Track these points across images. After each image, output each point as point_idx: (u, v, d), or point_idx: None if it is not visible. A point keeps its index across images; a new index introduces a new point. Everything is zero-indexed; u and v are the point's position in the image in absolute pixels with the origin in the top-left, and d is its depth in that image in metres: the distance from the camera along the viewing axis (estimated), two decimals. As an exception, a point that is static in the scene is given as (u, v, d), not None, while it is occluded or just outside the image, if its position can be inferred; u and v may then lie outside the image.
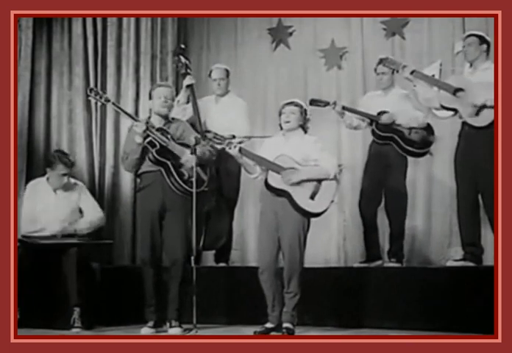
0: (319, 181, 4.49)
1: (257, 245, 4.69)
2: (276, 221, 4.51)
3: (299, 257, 4.48)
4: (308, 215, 4.51)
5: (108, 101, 4.93)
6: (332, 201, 4.51)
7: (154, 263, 4.85)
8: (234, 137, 4.71)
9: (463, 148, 5.05)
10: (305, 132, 4.65)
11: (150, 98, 4.98)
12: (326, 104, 5.51)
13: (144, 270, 4.90)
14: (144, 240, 4.89)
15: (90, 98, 4.94)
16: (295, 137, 4.60)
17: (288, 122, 4.58)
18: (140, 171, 4.91)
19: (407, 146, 5.39)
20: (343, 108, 5.48)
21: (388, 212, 5.51)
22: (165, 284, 4.89)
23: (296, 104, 4.62)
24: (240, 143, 4.90)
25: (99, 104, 5.07)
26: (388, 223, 5.53)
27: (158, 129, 4.82)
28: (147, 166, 4.84)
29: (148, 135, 4.75)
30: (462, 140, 5.07)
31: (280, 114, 4.62)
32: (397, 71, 5.25)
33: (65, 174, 5.22)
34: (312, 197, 4.48)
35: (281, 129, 4.65)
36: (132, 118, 4.93)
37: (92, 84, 6.62)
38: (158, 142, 4.78)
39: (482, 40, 4.99)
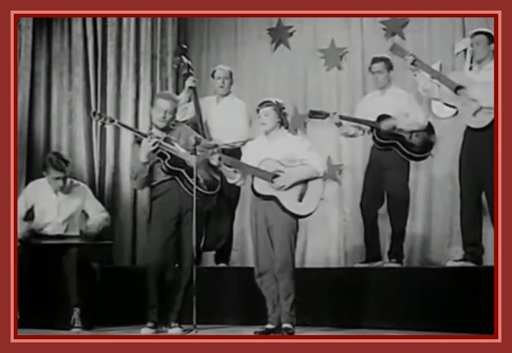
0: (306, 181, 4.50)
1: (252, 248, 4.68)
2: (266, 224, 4.51)
3: (290, 258, 4.47)
4: (298, 218, 4.52)
5: (112, 121, 4.87)
6: (322, 199, 4.51)
7: (163, 266, 4.81)
8: (216, 146, 4.71)
9: (467, 148, 5.05)
10: (286, 127, 4.63)
11: (152, 104, 4.94)
12: (326, 115, 5.50)
13: (150, 272, 4.82)
14: (158, 245, 4.81)
15: (94, 120, 4.92)
16: (278, 137, 4.59)
17: (263, 124, 4.59)
18: (154, 183, 4.87)
19: (408, 151, 5.38)
20: (341, 118, 5.48)
21: (390, 213, 5.51)
22: (169, 286, 4.87)
23: (268, 104, 4.58)
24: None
25: (99, 125, 5.03)
26: (390, 224, 5.52)
27: (165, 139, 4.79)
28: (161, 176, 4.81)
29: (157, 148, 4.71)
30: (466, 140, 5.07)
31: None
32: (403, 56, 5.20)
33: (57, 178, 5.18)
34: (300, 199, 4.48)
35: None
36: (140, 134, 4.84)
37: (92, 85, 6.64)
38: (168, 152, 4.76)
39: (490, 38, 4.93)
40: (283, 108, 4.61)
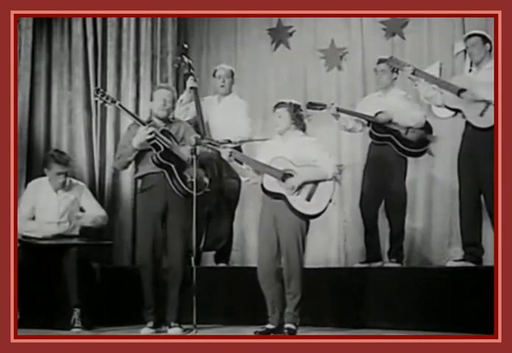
0: (315, 182, 4.49)
1: (256, 247, 4.68)
2: (275, 224, 4.51)
3: (298, 258, 4.47)
4: (305, 217, 4.50)
5: (114, 101, 4.91)
6: (330, 201, 4.50)
7: (154, 265, 4.84)
8: (229, 141, 4.71)
9: (466, 148, 5.05)
10: (303, 129, 4.63)
11: (151, 99, 4.96)
12: (324, 106, 5.53)
13: (143, 271, 4.88)
14: (145, 242, 4.87)
15: (96, 98, 4.92)
16: (292, 137, 4.58)
17: (276, 126, 4.60)
18: (142, 173, 4.89)
19: (403, 146, 5.40)
20: (338, 110, 5.50)
21: (388, 213, 5.52)
22: (164, 286, 4.88)
23: (282, 106, 4.59)
24: (237, 148, 4.91)
25: (99, 103, 5.02)
26: (388, 223, 5.53)
27: (162, 131, 4.80)
28: (150, 168, 4.82)
29: (153, 138, 4.73)
30: (465, 140, 5.06)
31: None
32: (399, 70, 5.25)
33: (60, 173, 5.19)
34: (308, 199, 4.47)
35: None
36: (139, 121, 4.85)
37: (92, 85, 6.63)
38: (163, 145, 4.77)
39: (484, 39, 4.96)
40: (297, 109, 4.60)
